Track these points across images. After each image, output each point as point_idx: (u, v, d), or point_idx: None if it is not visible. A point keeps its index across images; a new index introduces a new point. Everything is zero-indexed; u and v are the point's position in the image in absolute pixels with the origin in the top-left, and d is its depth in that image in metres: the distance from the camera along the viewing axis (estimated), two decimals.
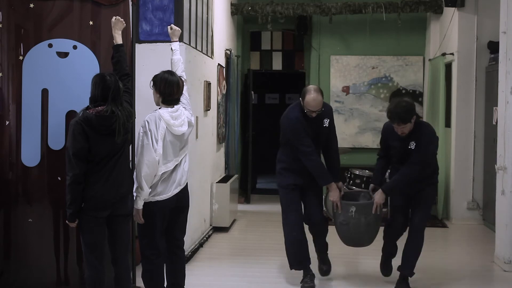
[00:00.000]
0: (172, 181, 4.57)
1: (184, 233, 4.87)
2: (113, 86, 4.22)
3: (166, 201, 4.55)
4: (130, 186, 4.43)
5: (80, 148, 4.14)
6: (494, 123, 7.46)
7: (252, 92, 10.66)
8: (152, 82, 4.61)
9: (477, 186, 8.59)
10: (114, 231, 4.39)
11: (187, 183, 4.74)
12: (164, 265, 4.75)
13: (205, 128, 7.41)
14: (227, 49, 9.19)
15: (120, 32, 4.70)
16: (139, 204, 4.48)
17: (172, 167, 4.56)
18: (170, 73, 4.64)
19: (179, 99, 4.62)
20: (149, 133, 4.43)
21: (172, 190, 4.57)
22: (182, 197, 4.69)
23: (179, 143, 4.59)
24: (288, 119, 5.46)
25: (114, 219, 4.35)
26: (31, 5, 4.85)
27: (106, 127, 4.19)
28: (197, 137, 6.87)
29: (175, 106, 4.56)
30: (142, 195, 4.46)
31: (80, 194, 4.19)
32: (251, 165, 10.47)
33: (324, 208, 5.93)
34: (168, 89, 4.53)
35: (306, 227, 5.64)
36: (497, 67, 6.66)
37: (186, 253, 6.39)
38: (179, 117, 4.54)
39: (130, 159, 4.65)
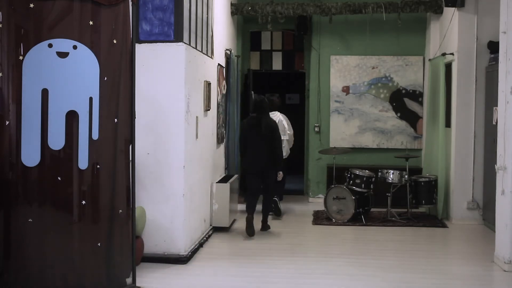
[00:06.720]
0: None
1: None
2: (258, 104, 7.84)
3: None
4: (268, 160, 7.76)
5: (241, 134, 8.13)
6: (494, 123, 7.46)
7: (252, 92, 10.66)
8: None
9: (477, 186, 8.59)
10: (263, 181, 7.92)
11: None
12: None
13: (205, 128, 7.41)
14: (227, 49, 9.19)
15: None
16: None
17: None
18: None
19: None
20: None
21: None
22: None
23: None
24: None
25: (262, 174, 7.83)
26: (31, 5, 4.84)
27: (251, 122, 7.85)
28: (197, 137, 6.87)
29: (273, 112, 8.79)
30: None
31: (243, 159, 8.09)
32: None
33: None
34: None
35: None
36: (497, 67, 6.66)
37: (186, 253, 6.40)
38: (273, 116, 8.57)
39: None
